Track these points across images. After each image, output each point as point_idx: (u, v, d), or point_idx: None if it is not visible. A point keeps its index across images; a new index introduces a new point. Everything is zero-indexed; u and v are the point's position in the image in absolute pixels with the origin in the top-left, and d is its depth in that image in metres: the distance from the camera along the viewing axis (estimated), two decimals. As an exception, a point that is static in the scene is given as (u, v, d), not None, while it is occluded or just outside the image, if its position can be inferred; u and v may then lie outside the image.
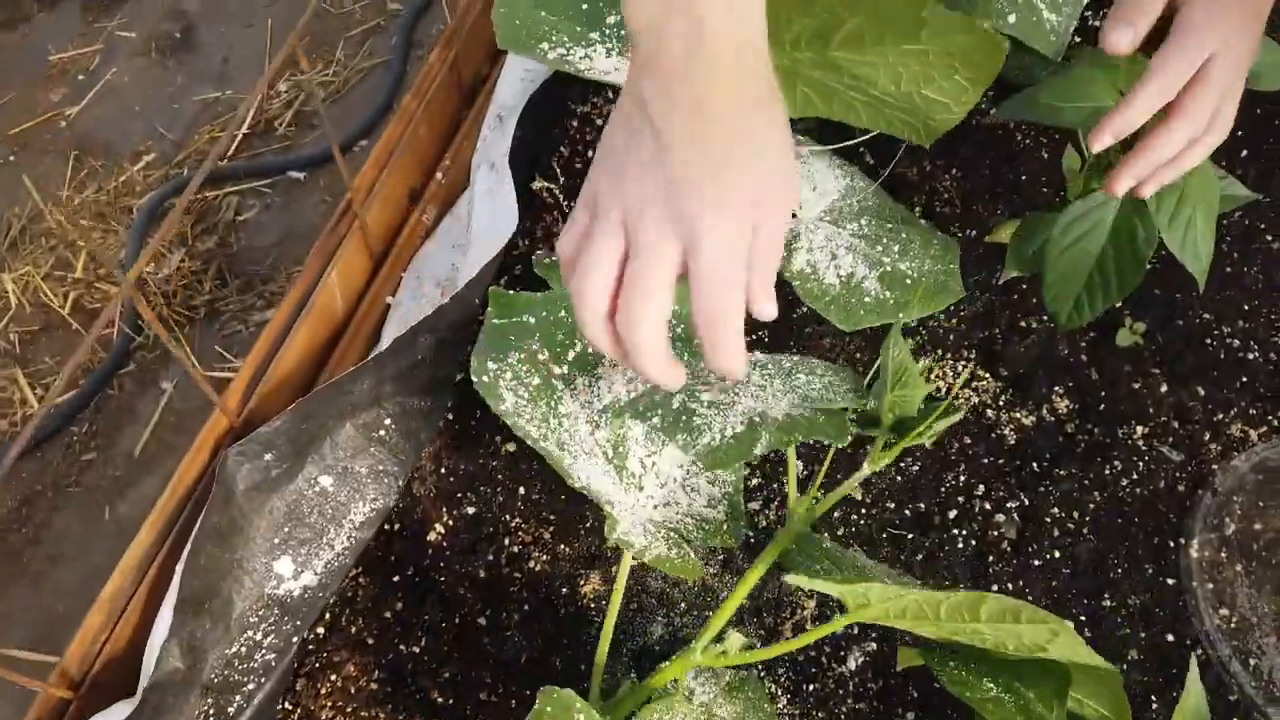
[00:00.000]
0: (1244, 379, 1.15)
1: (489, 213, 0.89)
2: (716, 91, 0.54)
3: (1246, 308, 1.20)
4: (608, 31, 0.97)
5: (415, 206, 1.00)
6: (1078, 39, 1.36)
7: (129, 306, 1.68)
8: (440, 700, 0.98)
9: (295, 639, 0.84)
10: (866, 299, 1.01)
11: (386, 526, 1.05)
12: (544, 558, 1.05)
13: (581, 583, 1.05)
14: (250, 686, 0.79)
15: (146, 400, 1.62)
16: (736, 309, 0.56)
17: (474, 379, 0.78)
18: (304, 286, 0.85)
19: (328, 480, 0.83)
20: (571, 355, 0.85)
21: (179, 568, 0.72)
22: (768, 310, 0.60)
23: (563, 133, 1.27)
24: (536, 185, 1.08)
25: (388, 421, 0.90)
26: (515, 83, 0.99)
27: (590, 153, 1.27)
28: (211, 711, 0.76)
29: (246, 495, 0.77)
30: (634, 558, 0.80)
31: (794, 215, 1.03)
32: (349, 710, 0.97)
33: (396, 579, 1.03)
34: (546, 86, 1.04)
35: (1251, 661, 1.01)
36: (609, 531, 0.78)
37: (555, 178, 1.22)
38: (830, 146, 1.08)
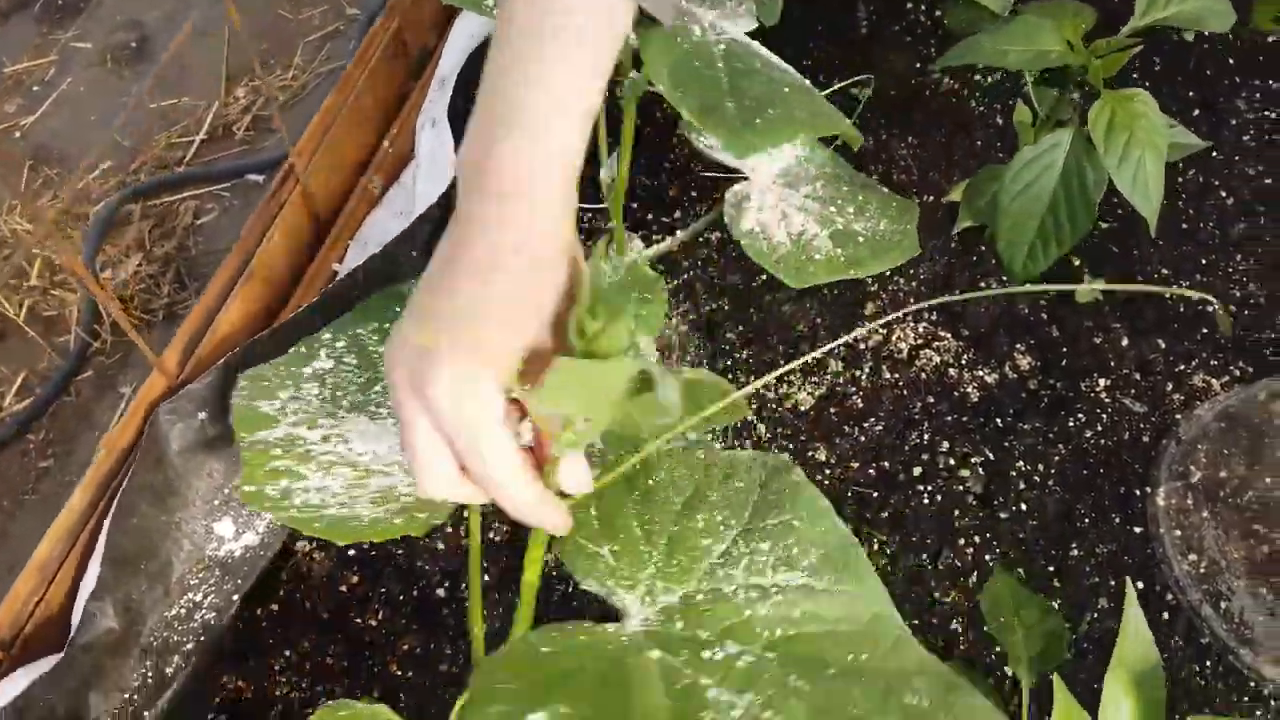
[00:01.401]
0: (1204, 331, 1.15)
1: (432, 167, 0.87)
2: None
3: (1204, 261, 1.20)
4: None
5: (362, 176, 0.99)
6: None
7: (86, 312, 1.65)
8: (399, 673, 0.95)
9: (236, 597, 0.81)
10: (816, 256, 1.00)
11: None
12: (504, 528, 1.03)
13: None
14: (189, 646, 0.77)
15: (104, 405, 1.59)
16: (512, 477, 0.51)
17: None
18: (244, 248, 0.84)
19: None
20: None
21: (106, 524, 0.70)
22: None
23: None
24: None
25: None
26: (459, 49, 0.99)
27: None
28: (150, 674, 0.73)
29: (181, 456, 0.75)
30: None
31: (746, 178, 1.02)
32: (304, 685, 0.94)
33: (351, 552, 1.01)
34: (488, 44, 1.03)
35: (1222, 604, 1.00)
36: None
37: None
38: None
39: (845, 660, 0.52)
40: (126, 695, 0.73)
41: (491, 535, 1.03)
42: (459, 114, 0.92)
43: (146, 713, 0.73)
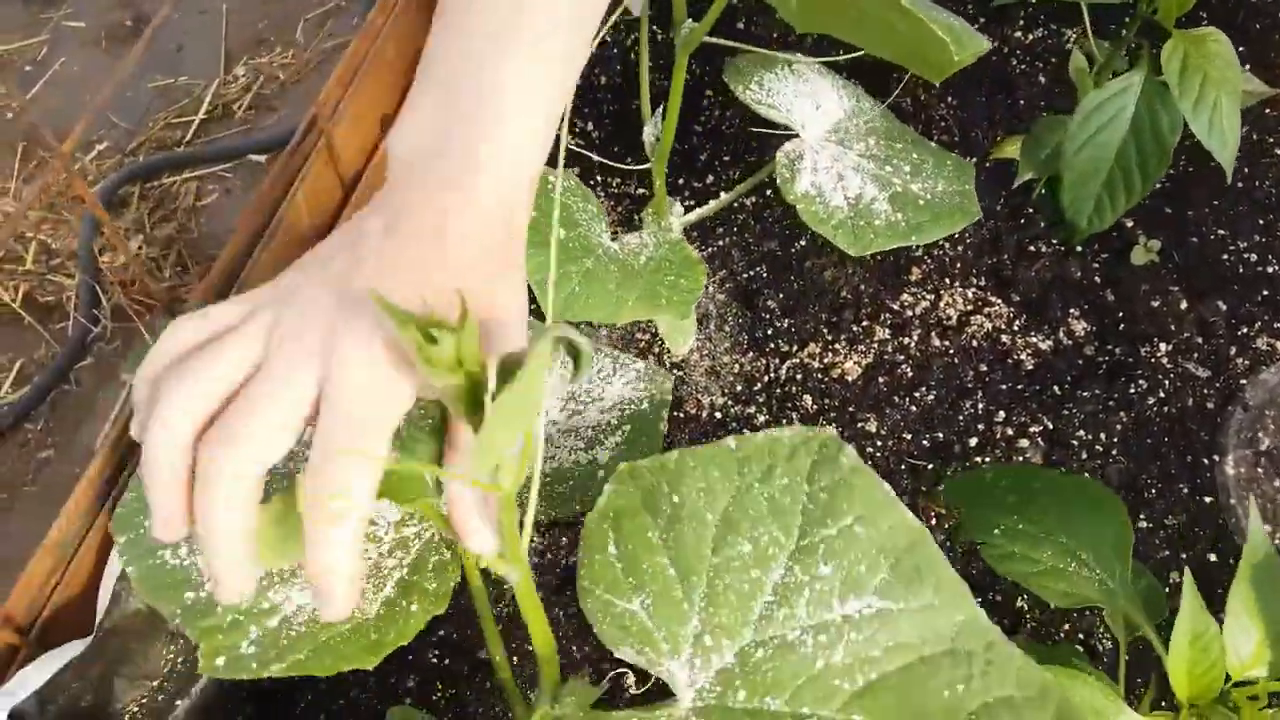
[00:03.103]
0: (1265, 292, 1.10)
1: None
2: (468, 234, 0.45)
3: (1261, 221, 1.15)
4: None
5: (387, 131, 0.93)
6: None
7: (84, 297, 1.59)
8: (435, 660, 0.90)
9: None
10: (876, 221, 0.94)
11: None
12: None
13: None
14: (224, 628, 0.71)
15: (106, 394, 1.53)
16: (358, 489, 0.40)
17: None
18: (267, 203, 0.78)
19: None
20: None
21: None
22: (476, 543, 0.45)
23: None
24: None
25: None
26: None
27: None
28: (179, 658, 0.68)
29: (212, 423, 0.69)
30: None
31: (795, 135, 0.97)
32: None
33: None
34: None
35: (1302, 576, 0.95)
36: None
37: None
38: (819, 59, 1.02)
39: (943, 698, 0.43)
40: (155, 683, 0.67)
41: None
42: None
43: (179, 702, 0.67)
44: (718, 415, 1.03)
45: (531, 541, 0.89)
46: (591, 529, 0.49)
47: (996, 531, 0.74)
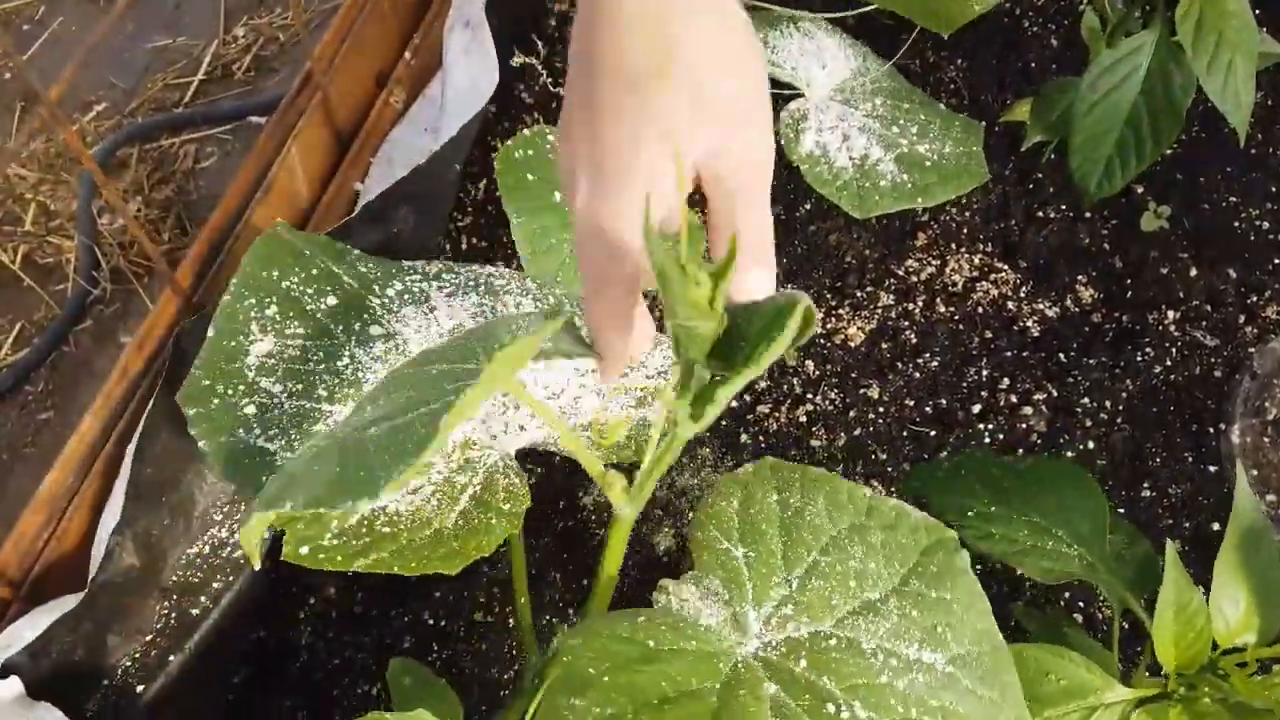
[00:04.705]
0: (1276, 260, 1.09)
1: (465, 74, 0.80)
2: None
3: (1274, 188, 1.13)
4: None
5: (383, 90, 0.92)
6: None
7: (84, 259, 1.58)
8: (431, 621, 0.89)
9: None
10: (882, 183, 0.92)
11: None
12: (539, 470, 0.97)
13: (581, 494, 0.96)
14: (216, 586, 0.71)
15: (105, 356, 1.53)
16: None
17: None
18: (260, 160, 0.77)
19: (299, 367, 0.74)
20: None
21: (129, 450, 0.63)
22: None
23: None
24: (516, 61, 0.99)
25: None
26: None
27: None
28: (173, 614, 0.67)
29: (205, 379, 0.69)
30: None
31: (800, 95, 0.95)
32: (330, 635, 0.88)
33: (379, 497, 0.95)
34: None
35: (1306, 546, 0.95)
36: None
37: (538, 53, 1.13)
38: (826, 15, 1.00)
39: None
40: (149, 638, 0.67)
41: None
42: (496, 12, 0.85)
43: (172, 657, 0.67)
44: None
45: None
46: (723, 488, 0.55)
47: (970, 514, 0.74)
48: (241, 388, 0.62)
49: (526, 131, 0.89)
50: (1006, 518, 0.72)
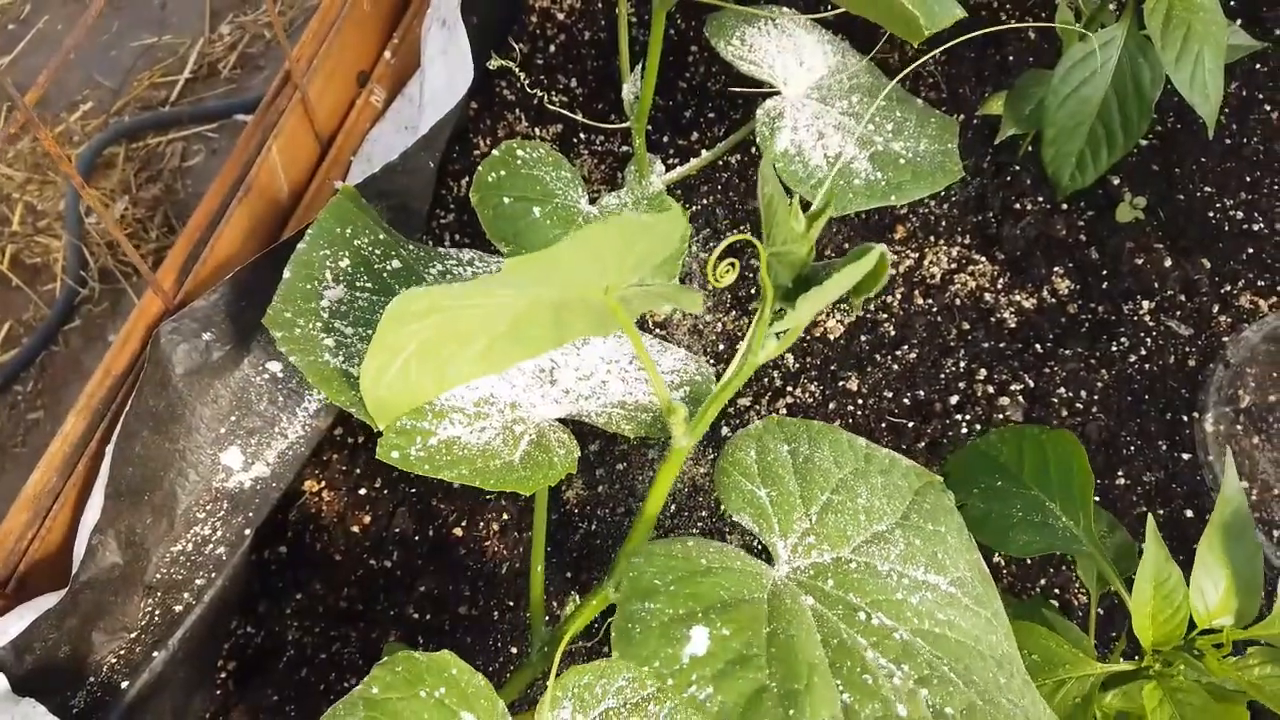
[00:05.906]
0: (1250, 250, 1.10)
1: (443, 72, 0.81)
2: None
3: (1248, 179, 1.14)
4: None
5: (363, 89, 0.92)
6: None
7: (72, 259, 1.58)
8: (416, 616, 0.91)
9: (247, 531, 0.76)
10: (855, 181, 0.93)
11: (348, 419, 0.97)
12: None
13: (564, 488, 0.97)
14: (199, 582, 0.72)
15: (93, 355, 1.53)
16: None
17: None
18: (240, 160, 0.78)
19: (277, 366, 0.75)
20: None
21: (109, 450, 0.64)
22: None
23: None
24: (494, 64, 1.00)
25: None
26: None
27: (569, 18, 1.20)
28: (156, 611, 0.68)
29: (186, 380, 0.70)
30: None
31: (778, 92, 0.96)
32: (317, 630, 0.89)
33: (363, 492, 0.96)
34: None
35: (1275, 532, 0.96)
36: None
37: (515, 56, 1.13)
38: (806, 15, 1.01)
39: (990, 679, 0.53)
40: (133, 634, 0.67)
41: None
42: (476, 11, 0.85)
43: (156, 653, 0.68)
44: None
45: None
46: (738, 441, 0.61)
47: (975, 491, 0.75)
48: (319, 324, 0.67)
49: (496, 151, 0.89)
50: (1006, 491, 0.75)
